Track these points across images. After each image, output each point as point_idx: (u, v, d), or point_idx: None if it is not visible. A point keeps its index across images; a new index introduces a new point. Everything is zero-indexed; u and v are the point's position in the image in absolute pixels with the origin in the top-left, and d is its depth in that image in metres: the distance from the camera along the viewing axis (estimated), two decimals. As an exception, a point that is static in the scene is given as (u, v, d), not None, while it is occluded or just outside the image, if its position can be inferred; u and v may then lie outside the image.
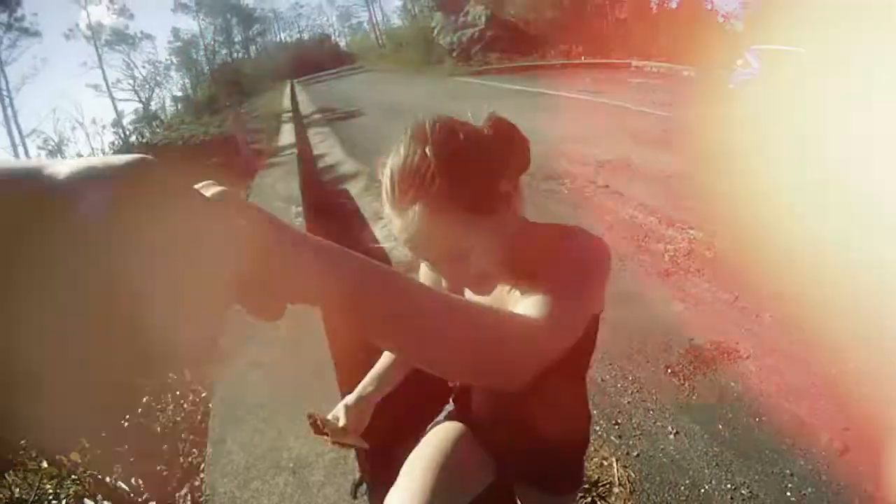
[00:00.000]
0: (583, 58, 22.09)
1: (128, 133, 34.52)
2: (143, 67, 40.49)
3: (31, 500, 2.77)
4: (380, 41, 56.62)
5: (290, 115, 18.73)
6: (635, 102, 11.73)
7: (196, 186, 0.51)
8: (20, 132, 35.07)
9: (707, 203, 5.63)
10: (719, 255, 4.67)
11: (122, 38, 38.04)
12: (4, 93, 35.15)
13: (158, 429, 3.48)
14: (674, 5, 28.39)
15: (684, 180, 6.49)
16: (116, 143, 32.99)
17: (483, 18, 27.25)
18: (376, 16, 66.96)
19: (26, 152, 34.58)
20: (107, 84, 38.80)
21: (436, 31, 30.09)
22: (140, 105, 39.11)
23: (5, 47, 35.50)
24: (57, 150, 29.58)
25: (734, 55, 12.72)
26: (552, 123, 10.45)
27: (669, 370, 3.36)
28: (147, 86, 37.96)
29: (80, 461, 2.89)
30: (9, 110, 35.25)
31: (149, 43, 37.24)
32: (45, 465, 3.02)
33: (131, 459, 3.12)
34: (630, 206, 5.86)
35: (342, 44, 66.55)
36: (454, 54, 27.45)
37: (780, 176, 6.09)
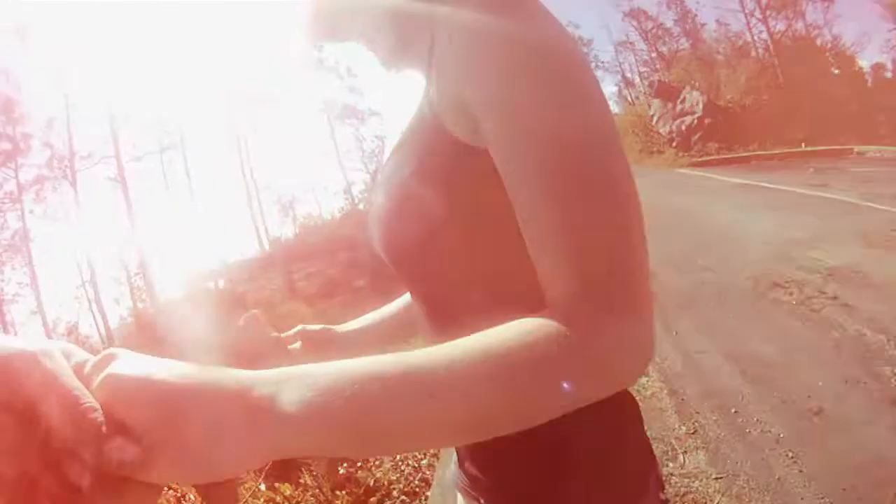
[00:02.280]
0: (802, 145, 21.24)
1: (356, 201, 37.34)
2: (371, 141, 43.48)
3: None
4: (597, 128, 57.39)
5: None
6: (862, 196, 11.05)
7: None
8: (255, 186, 39.15)
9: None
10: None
11: (352, 113, 40.40)
12: (243, 150, 39.48)
13: (371, 481, 4.07)
14: (889, 75, 26.90)
15: (918, 291, 5.95)
16: (346, 208, 35.58)
17: (700, 105, 26.86)
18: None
19: (260, 205, 38.23)
20: (337, 153, 41.50)
21: (654, 120, 30.04)
22: (368, 176, 41.66)
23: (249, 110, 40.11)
24: (289, 207, 32.20)
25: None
26: (777, 222, 10.28)
27: (890, 509, 3.21)
28: (374, 159, 40.43)
29: None
30: (245, 166, 39.53)
31: (376, 119, 39.66)
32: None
33: None
34: (859, 321, 5.56)
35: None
36: (673, 144, 27.25)
37: None
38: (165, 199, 40.11)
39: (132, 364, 0.50)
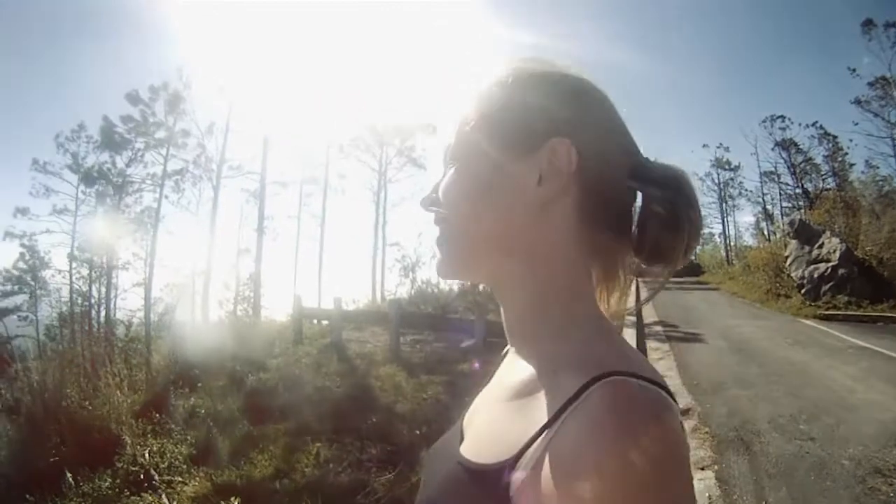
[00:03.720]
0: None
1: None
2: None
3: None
4: (730, 258, 56.77)
5: (633, 319, 18.02)
6: None
7: None
8: (384, 240, 42.66)
9: None
10: None
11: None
12: (380, 205, 43.23)
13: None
14: None
15: None
16: (466, 284, 36.26)
17: (837, 254, 26.21)
18: (729, 230, 67.06)
19: (384, 258, 41.71)
20: (471, 227, 43.06)
21: (788, 261, 29.59)
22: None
23: (393, 167, 44.26)
24: (411, 269, 33.36)
25: None
26: (894, 398, 9.76)
27: None
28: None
29: None
30: (380, 218, 43.02)
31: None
32: None
33: None
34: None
35: (692, 252, 67.74)
36: (802, 291, 26.77)
37: None
38: (293, 226, 43.94)
39: None
